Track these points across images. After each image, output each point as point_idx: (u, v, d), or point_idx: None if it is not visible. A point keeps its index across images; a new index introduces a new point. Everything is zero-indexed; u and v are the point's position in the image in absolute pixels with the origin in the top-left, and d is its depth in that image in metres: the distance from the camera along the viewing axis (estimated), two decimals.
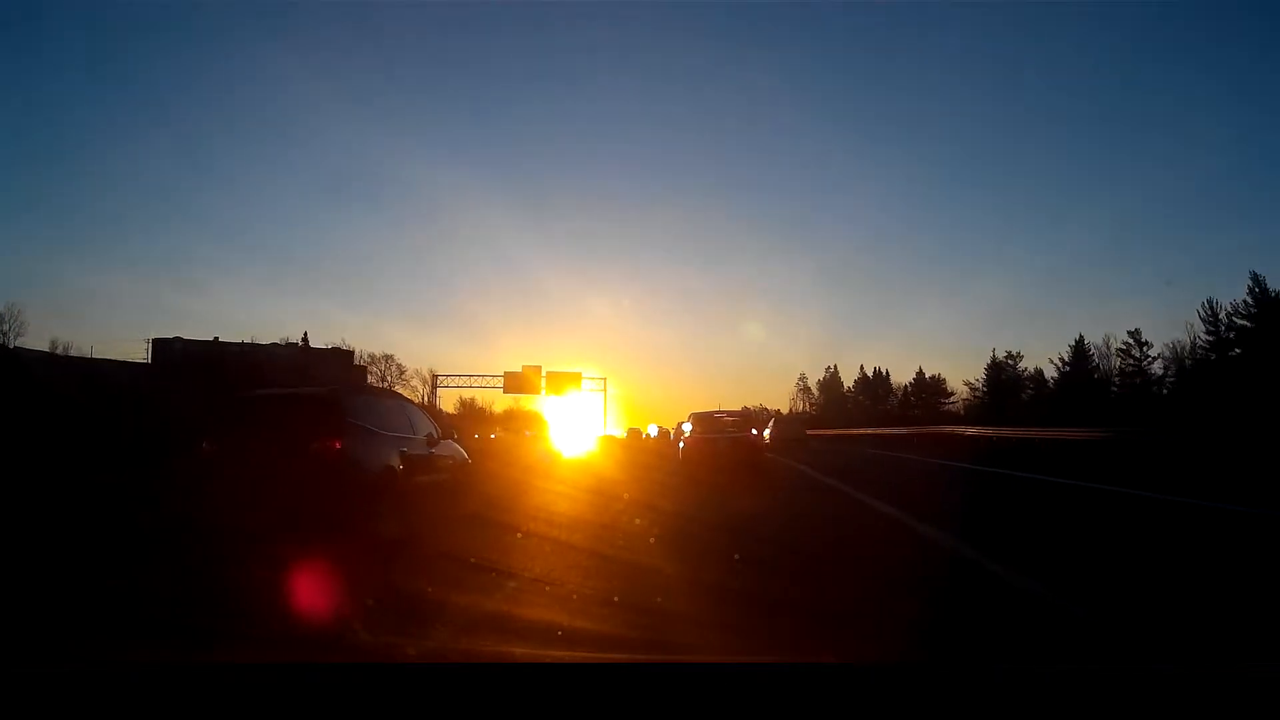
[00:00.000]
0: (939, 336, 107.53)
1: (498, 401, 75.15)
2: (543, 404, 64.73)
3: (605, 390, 60.26)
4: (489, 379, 58.82)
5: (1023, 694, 1.42)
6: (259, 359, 57.76)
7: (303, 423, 6.84)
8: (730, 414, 18.98)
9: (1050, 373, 66.10)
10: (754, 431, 18.93)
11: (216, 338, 61.27)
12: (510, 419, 75.55)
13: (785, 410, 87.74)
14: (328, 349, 66.70)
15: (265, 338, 66.43)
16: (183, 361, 52.78)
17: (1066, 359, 63.28)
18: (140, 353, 59.39)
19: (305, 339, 68.00)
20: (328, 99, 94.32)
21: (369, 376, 64.86)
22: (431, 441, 8.45)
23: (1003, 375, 69.34)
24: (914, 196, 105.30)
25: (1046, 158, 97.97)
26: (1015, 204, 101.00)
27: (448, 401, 67.81)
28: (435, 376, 60.01)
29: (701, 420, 18.19)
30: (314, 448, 6.60)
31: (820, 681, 1.50)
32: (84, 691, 1.40)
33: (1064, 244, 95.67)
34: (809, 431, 52.68)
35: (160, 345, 58.25)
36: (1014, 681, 1.51)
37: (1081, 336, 63.70)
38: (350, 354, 66.90)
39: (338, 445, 6.70)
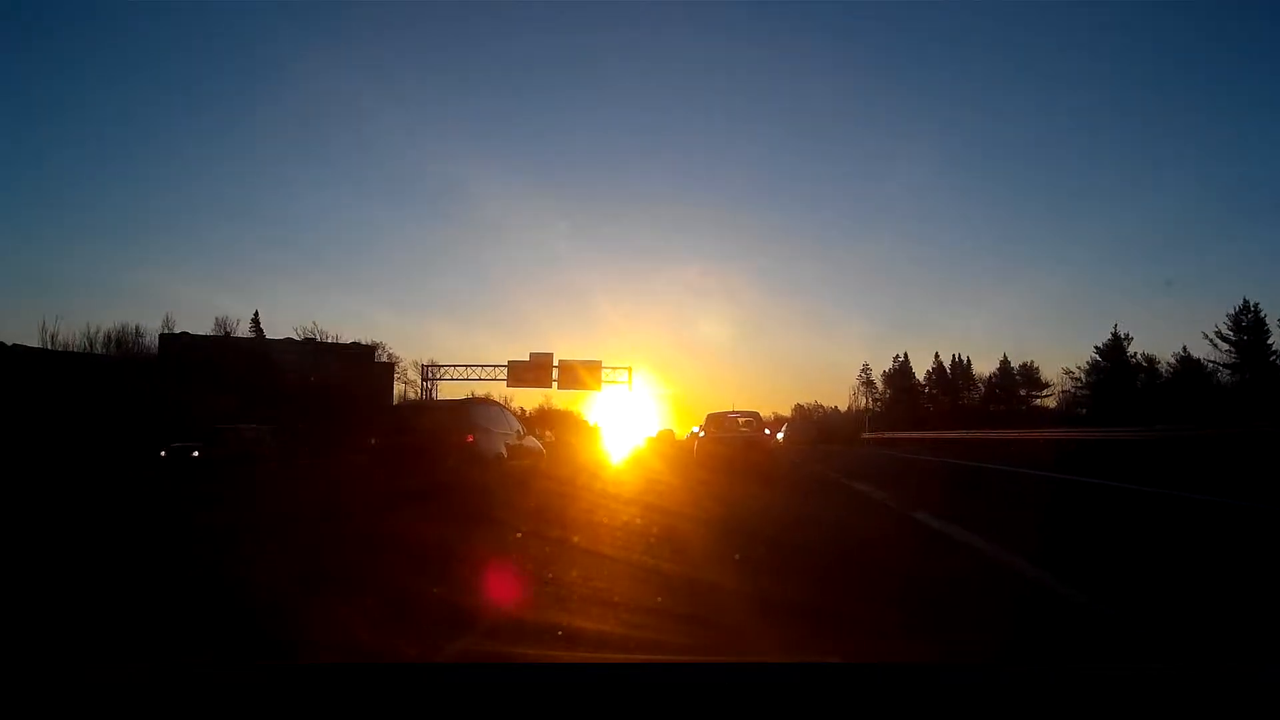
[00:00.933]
0: (1016, 322, 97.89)
1: (516, 397, 71.55)
2: (593, 403, 61.61)
3: (631, 382, 55.12)
4: (489, 369, 55.48)
5: (1025, 694, 1.43)
6: (268, 354, 56.25)
7: (446, 425, 10.58)
8: (744, 415, 20.15)
9: (1168, 356, 54.81)
10: (767, 432, 20.63)
11: (228, 333, 59.66)
12: (544, 419, 71.59)
13: (843, 408, 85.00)
14: (348, 345, 64.64)
15: (192, 324, 63.19)
16: (189, 357, 51.38)
17: (1224, 331, 49.72)
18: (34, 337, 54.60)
19: (256, 320, 65.24)
20: (324, 70, 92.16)
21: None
22: (520, 436, 12.49)
23: (1120, 358, 56.70)
24: (979, 159, 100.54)
25: (1158, 97, 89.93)
26: (1100, 163, 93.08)
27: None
28: (427, 367, 57.33)
29: (715, 421, 19.56)
30: (455, 441, 10.25)
31: (820, 681, 1.54)
32: (83, 694, 1.45)
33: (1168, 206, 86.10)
34: (872, 435, 50.33)
35: (167, 341, 56.87)
36: (1017, 681, 1.53)
37: (1249, 302, 50.03)
38: (371, 350, 64.64)
39: (470, 439, 10.40)
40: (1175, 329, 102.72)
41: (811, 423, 62.49)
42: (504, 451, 11.24)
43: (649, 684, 1.52)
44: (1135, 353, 57.47)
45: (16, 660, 2.83)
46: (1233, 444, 16.97)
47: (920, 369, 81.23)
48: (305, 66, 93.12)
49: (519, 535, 7.16)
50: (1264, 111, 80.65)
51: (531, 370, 53.99)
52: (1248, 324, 50.16)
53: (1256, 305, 50.32)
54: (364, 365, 61.99)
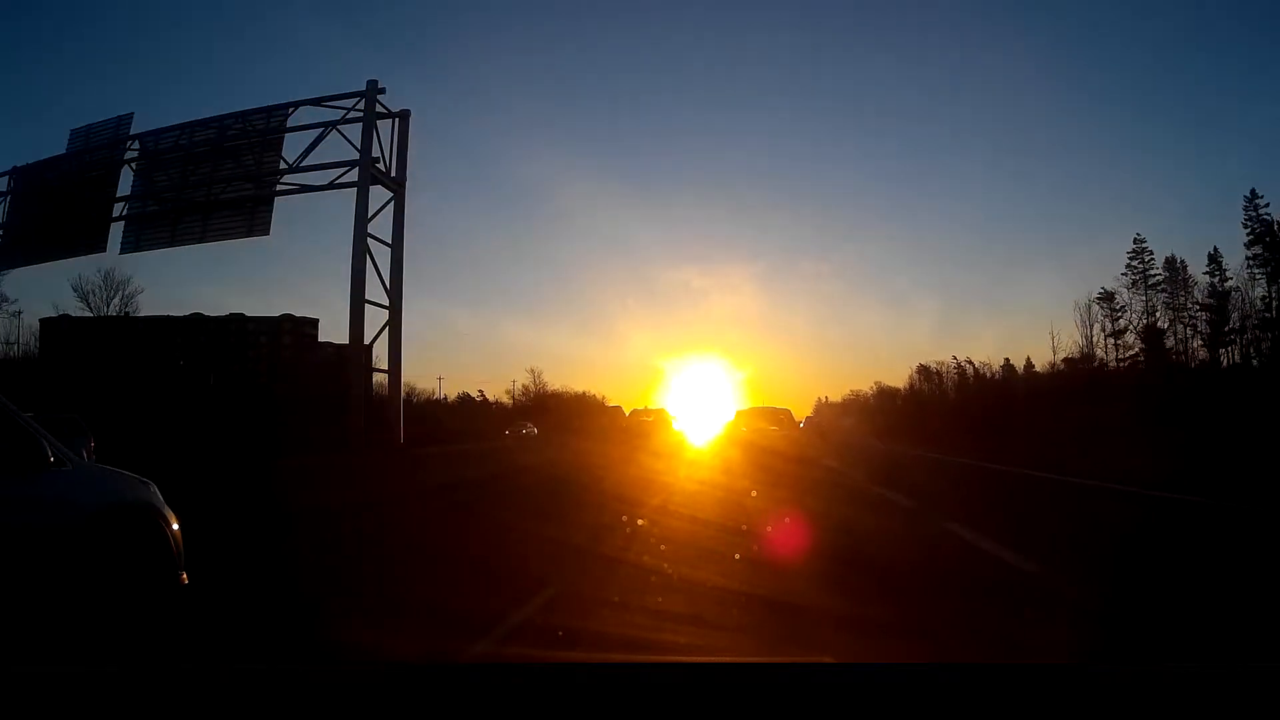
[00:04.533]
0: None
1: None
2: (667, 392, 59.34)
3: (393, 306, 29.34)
4: None
5: (1025, 694, 1.52)
6: (170, 332, 55.01)
7: (653, 417, 44.64)
8: (774, 411, 25.82)
9: None
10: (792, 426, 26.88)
11: (128, 312, 56.47)
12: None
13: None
14: (278, 318, 63.34)
15: None
16: (75, 343, 49.58)
17: None
18: None
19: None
20: None
21: None
22: (670, 423, 46.64)
23: None
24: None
25: None
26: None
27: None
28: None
29: (745, 415, 25.79)
30: (654, 422, 42.74)
31: (819, 682, 1.63)
32: (80, 694, 1.56)
33: None
34: None
35: (49, 326, 54.49)
36: (1017, 681, 1.61)
37: None
38: (311, 323, 61.52)
39: (661, 424, 42.06)
40: None
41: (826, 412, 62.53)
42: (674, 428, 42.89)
43: (648, 683, 1.64)
44: None
45: (15, 660, 3.05)
46: None
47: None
48: None
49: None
50: None
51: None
52: None
53: None
54: (313, 346, 60.03)
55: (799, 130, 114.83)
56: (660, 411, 46.04)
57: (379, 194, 26.85)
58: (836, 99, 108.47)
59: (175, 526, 4.81)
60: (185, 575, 4.81)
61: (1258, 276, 39.82)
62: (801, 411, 60.02)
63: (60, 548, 3.96)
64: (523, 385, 72.03)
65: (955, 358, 62.52)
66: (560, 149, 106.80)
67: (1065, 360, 44.80)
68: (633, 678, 1.74)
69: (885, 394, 69.24)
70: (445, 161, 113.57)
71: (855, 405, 70.77)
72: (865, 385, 76.38)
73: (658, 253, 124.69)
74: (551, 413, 63.29)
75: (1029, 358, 56.28)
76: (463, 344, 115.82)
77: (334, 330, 61.98)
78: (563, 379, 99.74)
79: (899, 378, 72.19)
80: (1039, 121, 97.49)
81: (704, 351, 59.71)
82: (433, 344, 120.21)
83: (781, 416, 25.49)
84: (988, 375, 56.32)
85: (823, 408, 74.05)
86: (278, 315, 67.33)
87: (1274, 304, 38.46)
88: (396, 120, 27.45)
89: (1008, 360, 58.31)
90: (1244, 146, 77.52)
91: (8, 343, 48.93)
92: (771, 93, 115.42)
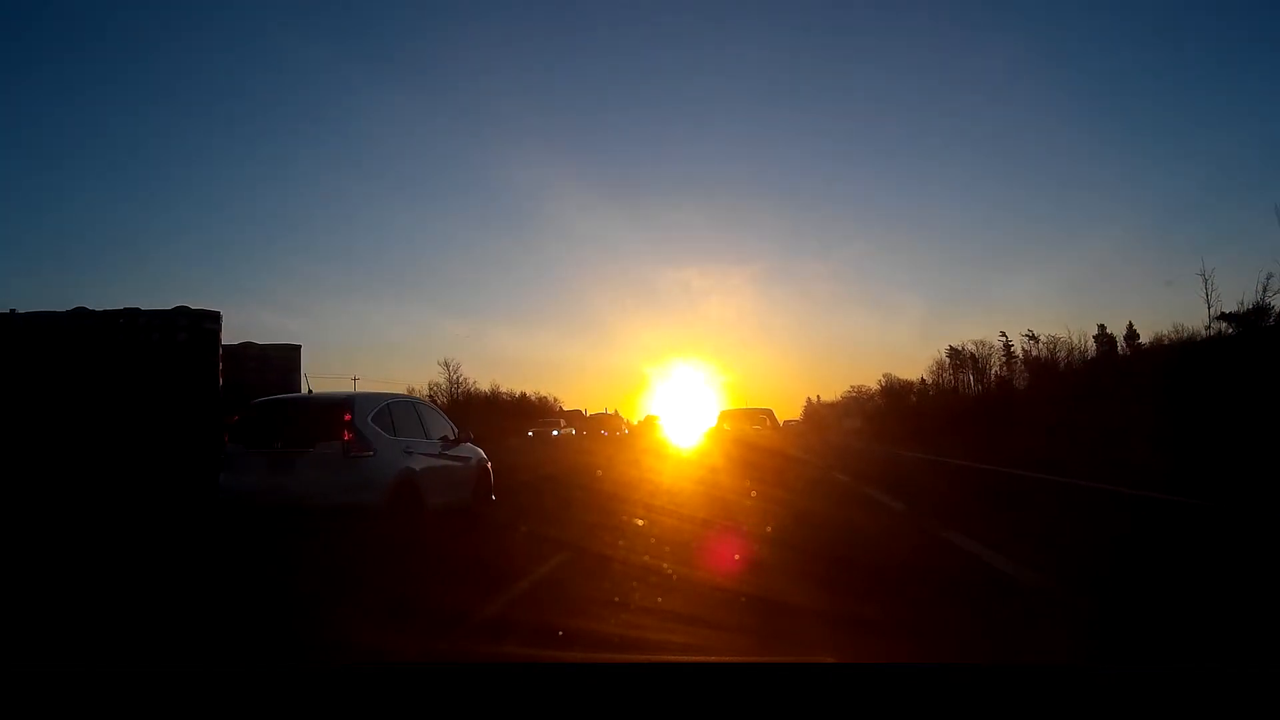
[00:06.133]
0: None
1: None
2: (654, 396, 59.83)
3: None
4: None
5: (1025, 694, 1.55)
6: (51, 328, 52.19)
7: (611, 423, 64.23)
8: (757, 411, 27.26)
9: None
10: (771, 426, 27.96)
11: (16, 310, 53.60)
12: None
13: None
14: (171, 311, 60.39)
15: None
16: None
17: None
18: None
19: None
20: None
21: None
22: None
23: None
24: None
25: None
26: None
27: None
28: None
29: (728, 416, 27.55)
30: (630, 424, 58.91)
31: (819, 681, 1.66)
32: (82, 694, 1.59)
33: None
34: None
35: None
36: (1017, 681, 1.63)
37: None
38: (211, 316, 59.60)
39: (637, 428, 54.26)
40: None
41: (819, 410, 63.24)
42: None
43: (649, 684, 1.66)
44: None
45: (20, 660, 3.13)
46: None
47: None
48: None
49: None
50: None
51: None
52: None
53: None
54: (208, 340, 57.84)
55: (793, 132, 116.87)
56: (644, 418, 47.70)
57: None
58: (830, 103, 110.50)
59: (490, 468, 10.21)
60: (494, 496, 10.10)
61: None
62: (791, 412, 61.29)
63: (472, 476, 9.58)
64: (431, 383, 60.11)
65: (1003, 334, 46.74)
66: (547, 153, 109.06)
67: (1226, 316, 26.25)
68: (632, 678, 1.75)
69: (895, 389, 55.96)
70: (434, 167, 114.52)
71: (856, 404, 62.35)
72: (870, 380, 64.89)
73: (646, 257, 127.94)
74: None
75: (1130, 323, 44.11)
76: (447, 348, 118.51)
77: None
78: (547, 386, 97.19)
79: (910, 371, 64.15)
80: (1031, 107, 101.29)
81: (690, 355, 65.73)
82: (417, 349, 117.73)
83: (763, 417, 26.74)
84: (1054, 355, 38.62)
85: (813, 408, 73.41)
86: (171, 308, 64.77)
87: None
88: None
89: (1103, 328, 43.05)
90: None
91: None
92: (765, 96, 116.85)
